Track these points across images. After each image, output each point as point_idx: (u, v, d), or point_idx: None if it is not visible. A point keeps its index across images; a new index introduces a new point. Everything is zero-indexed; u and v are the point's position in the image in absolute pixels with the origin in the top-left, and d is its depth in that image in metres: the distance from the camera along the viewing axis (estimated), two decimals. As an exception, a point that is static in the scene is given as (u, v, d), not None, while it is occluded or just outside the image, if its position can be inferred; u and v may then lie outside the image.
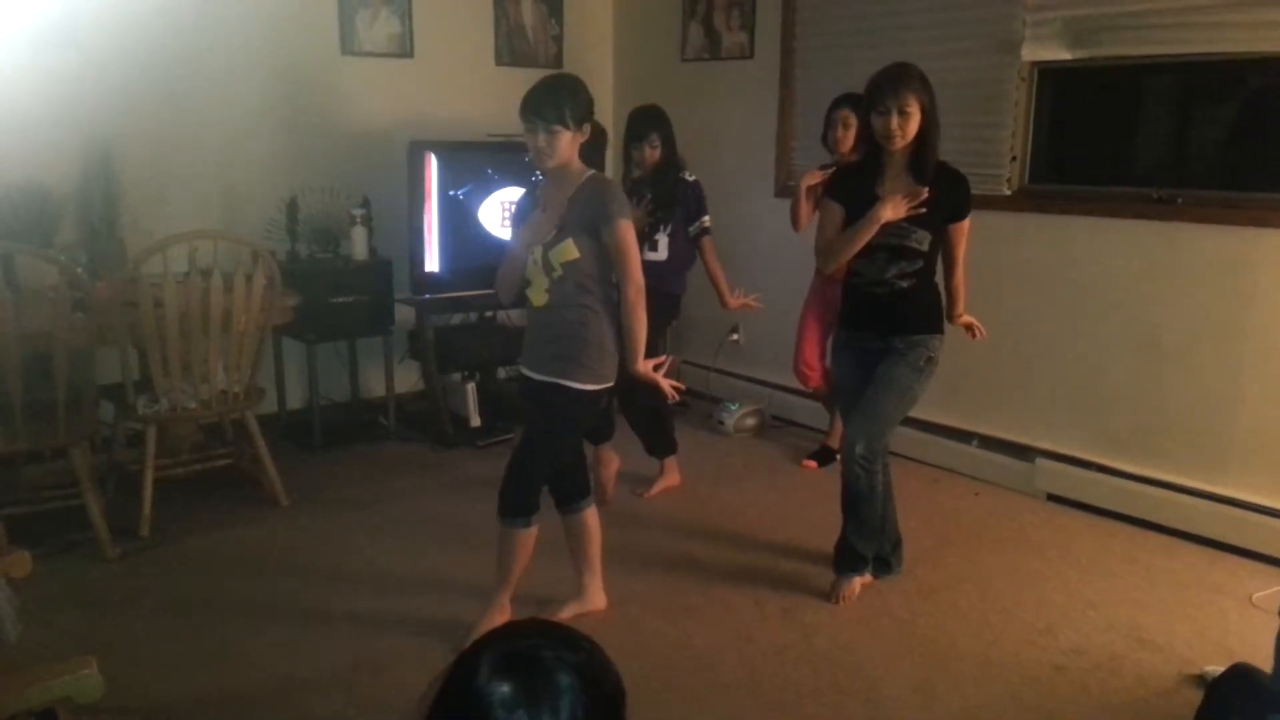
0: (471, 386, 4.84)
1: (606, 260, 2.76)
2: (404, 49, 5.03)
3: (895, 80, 2.91)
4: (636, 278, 2.77)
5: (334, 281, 4.50)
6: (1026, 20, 3.95)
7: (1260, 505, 3.56)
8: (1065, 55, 3.90)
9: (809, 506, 3.95)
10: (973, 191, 4.31)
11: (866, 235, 2.98)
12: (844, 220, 3.09)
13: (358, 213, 4.60)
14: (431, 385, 4.82)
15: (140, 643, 2.94)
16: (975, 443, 4.37)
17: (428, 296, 4.64)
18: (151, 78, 4.33)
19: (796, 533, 3.76)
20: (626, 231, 2.74)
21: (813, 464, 4.49)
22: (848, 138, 3.99)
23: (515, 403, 3.02)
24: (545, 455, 2.86)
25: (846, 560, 3.27)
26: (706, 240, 4.00)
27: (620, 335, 2.82)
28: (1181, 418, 3.76)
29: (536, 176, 3.14)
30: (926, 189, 2.94)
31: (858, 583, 3.28)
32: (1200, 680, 2.75)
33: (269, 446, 3.92)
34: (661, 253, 3.94)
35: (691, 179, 3.97)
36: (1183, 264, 3.70)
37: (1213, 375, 3.67)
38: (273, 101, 4.68)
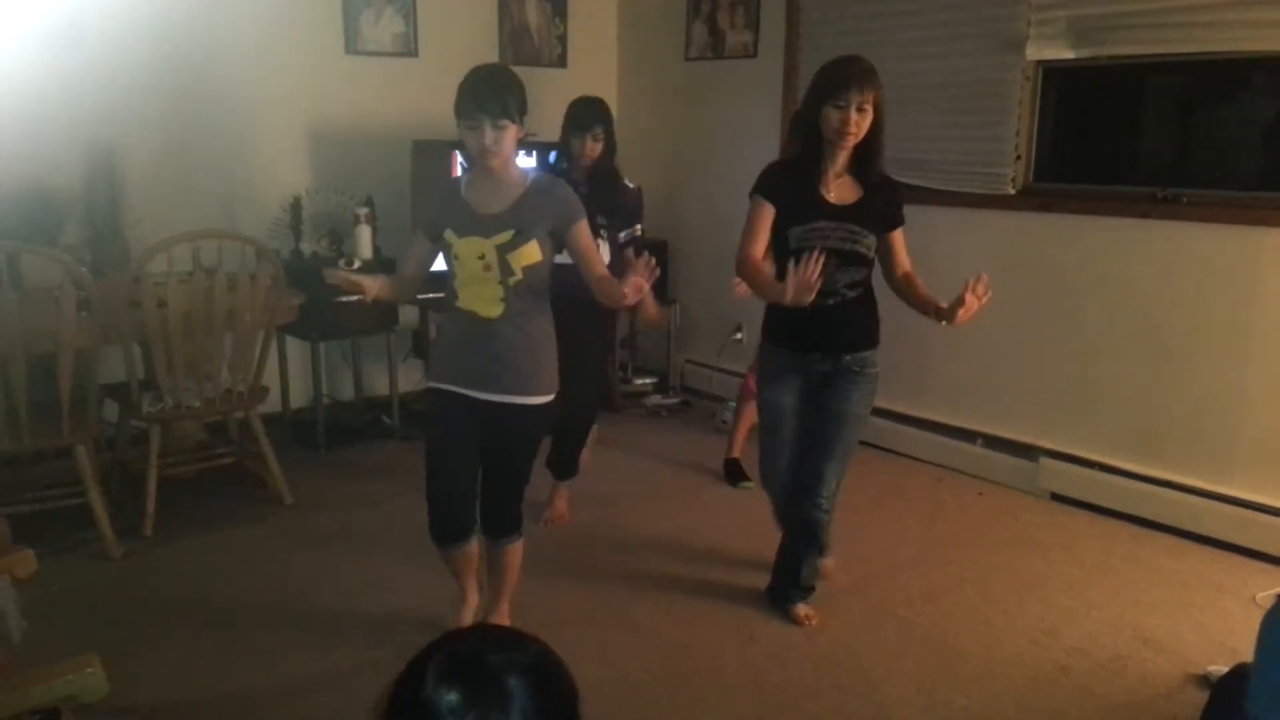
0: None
1: (550, 264, 2.65)
2: (408, 48, 5.03)
3: (860, 74, 2.72)
4: (604, 269, 2.69)
5: (338, 281, 4.49)
6: (1031, 19, 3.94)
7: (1264, 505, 3.56)
8: (1069, 54, 3.89)
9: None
10: (977, 190, 4.31)
11: (771, 297, 2.75)
12: (775, 221, 2.85)
13: (362, 212, 4.60)
14: (435, 384, 4.82)
15: (144, 642, 2.94)
16: (979, 442, 4.36)
17: (430, 295, 4.63)
18: (156, 78, 4.34)
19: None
20: (588, 230, 2.67)
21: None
22: None
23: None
24: (525, 474, 2.80)
25: (799, 589, 3.13)
26: (632, 251, 3.69)
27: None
28: (1186, 417, 3.76)
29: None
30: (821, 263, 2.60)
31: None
32: (1204, 680, 2.74)
33: (273, 445, 3.93)
34: (604, 258, 3.62)
35: (633, 186, 3.76)
36: (1187, 263, 3.69)
37: (1217, 375, 3.66)
38: (277, 100, 4.68)
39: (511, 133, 2.49)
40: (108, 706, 2.17)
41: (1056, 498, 4.10)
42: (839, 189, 2.83)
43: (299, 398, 4.87)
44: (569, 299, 3.39)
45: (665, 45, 5.57)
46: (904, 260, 2.95)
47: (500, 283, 2.55)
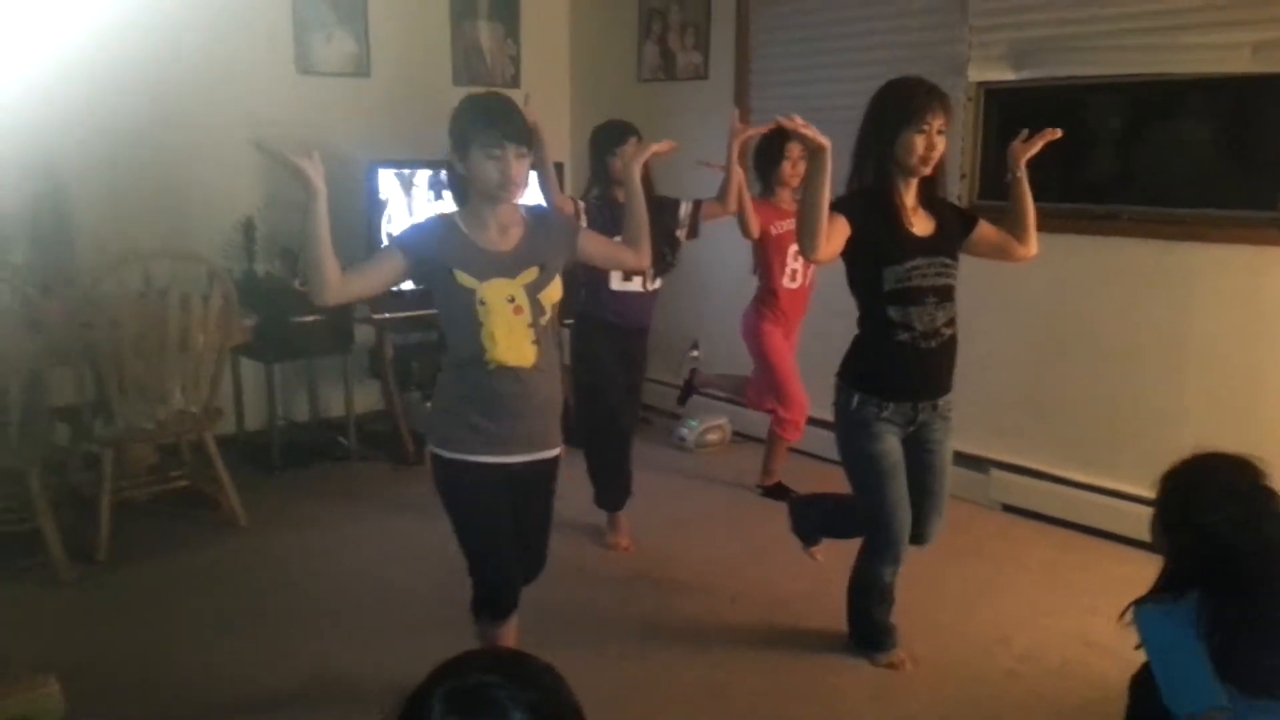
0: (431, 405, 4.82)
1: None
2: (361, 69, 5.04)
3: (939, 95, 2.53)
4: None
5: (293, 301, 4.48)
6: (972, 42, 4.06)
7: (1205, 512, 3.65)
8: (1010, 75, 4.01)
9: (767, 520, 3.98)
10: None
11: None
12: (859, 254, 2.61)
13: (316, 232, 4.59)
14: (391, 404, 4.82)
15: (98, 665, 2.91)
16: (930, 455, 4.43)
17: (387, 315, 4.63)
18: (106, 97, 4.30)
19: (750, 548, 3.79)
20: (589, 230, 2.61)
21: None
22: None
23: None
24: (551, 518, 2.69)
25: (890, 635, 2.98)
26: (705, 206, 3.78)
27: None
28: (1129, 427, 3.85)
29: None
30: None
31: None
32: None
33: (227, 467, 3.90)
34: (658, 281, 3.66)
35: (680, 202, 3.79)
36: (1127, 277, 3.80)
37: (1157, 386, 3.76)
38: (229, 120, 4.65)
39: (528, 162, 2.30)
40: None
41: (1008, 508, 4.17)
42: (919, 221, 2.65)
43: (254, 419, 4.83)
44: (637, 329, 3.37)
45: (618, 66, 5.62)
46: (1002, 237, 2.82)
47: (531, 325, 2.35)
